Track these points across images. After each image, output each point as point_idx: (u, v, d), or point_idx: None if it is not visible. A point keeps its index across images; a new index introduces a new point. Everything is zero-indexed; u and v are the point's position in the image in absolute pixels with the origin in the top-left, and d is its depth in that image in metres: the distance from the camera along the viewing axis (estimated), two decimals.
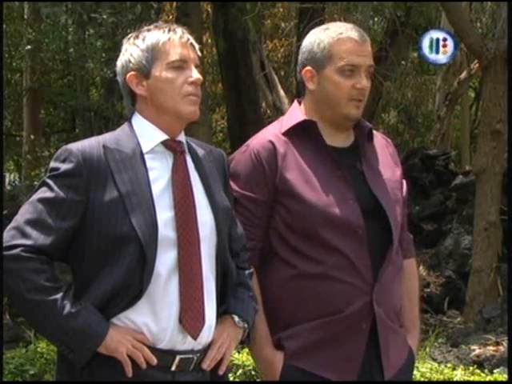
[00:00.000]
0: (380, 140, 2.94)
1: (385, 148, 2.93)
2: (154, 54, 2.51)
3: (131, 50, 2.54)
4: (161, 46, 2.51)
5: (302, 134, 2.79)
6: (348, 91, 2.75)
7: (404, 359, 2.83)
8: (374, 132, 2.93)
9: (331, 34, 2.77)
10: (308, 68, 2.80)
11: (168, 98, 2.50)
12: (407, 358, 2.85)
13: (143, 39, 2.53)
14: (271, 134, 2.82)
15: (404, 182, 2.98)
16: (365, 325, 2.71)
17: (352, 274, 2.69)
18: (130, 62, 2.53)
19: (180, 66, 2.50)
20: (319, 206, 2.70)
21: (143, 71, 2.51)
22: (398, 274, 2.83)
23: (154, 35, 2.53)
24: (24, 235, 2.37)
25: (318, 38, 2.79)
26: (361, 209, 2.73)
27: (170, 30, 2.53)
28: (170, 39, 2.52)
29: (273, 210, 2.74)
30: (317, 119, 2.80)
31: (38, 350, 5.85)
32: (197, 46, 2.58)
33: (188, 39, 2.54)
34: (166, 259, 2.41)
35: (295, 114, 2.84)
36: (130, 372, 2.37)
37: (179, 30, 2.55)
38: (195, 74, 2.51)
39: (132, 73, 2.52)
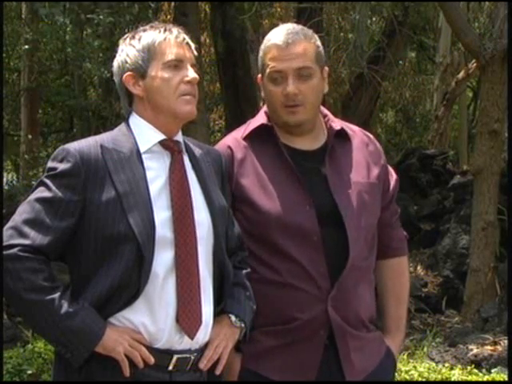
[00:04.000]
0: (360, 138, 2.88)
1: (363, 147, 2.86)
2: (150, 53, 2.51)
3: (127, 51, 2.54)
4: (157, 45, 2.51)
5: (263, 138, 2.78)
6: (279, 98, 2.72)
7: (376, 362, 2.78)
8: (355, 129, 2.90)
9: (264, 42, 2.78)
10: (259, 75, 2.82)
11: (164, 97, 2.50)
12: (382, 361, 2.80)
13: (139, 39, 2.53)
14: (232, 138, 2.81)
15: (393, 177, 2.93)
16: (323, 332, 2.68)
17: (306, 281, 2.66)
18: (126, 62, 2.53)
19: (176, 65, 2.50)
20: (273, 212, 2.68)
21: (139, 71, 2.51)
22: (366, 279, 2.77)
23: (149, 35, 2.53)
24: (22, 235, 2.37)
25: (261, 46, 2.81)
26: (318, 214, 2.69)
27: (165, 30, 2.54)
28: (165, 39, 2.52)
29: (233, 216, 2.72)
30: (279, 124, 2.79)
31: (36, 349, 5.85)
32: (193, 46, 2.58)
33: (184, 39, 2.54)
34: (163, 259, 2.41)
35: (258, 118, 2.83)
36: (127, 371, 2.36)
37: (175, 30, 2.55)
38: (191, 74, 2.51)
39: (128, 73, 2.52)
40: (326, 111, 2.88)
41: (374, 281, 2.86)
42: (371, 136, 2.95)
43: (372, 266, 2.83)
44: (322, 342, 2.69)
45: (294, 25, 2.79)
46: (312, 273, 2.67)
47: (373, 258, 2.83)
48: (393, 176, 2.94)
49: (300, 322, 2.67)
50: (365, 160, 2.84)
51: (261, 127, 2.79)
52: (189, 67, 2.52)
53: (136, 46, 2.53)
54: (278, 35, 2.74)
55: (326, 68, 2.81)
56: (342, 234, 2.70)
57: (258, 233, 2.71)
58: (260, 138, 2.78)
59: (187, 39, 2.56)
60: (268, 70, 2.74)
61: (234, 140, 2.80)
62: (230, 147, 2.77)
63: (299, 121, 2.74)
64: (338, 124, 2.83)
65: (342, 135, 2.83)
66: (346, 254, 2.69)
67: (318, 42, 2.78)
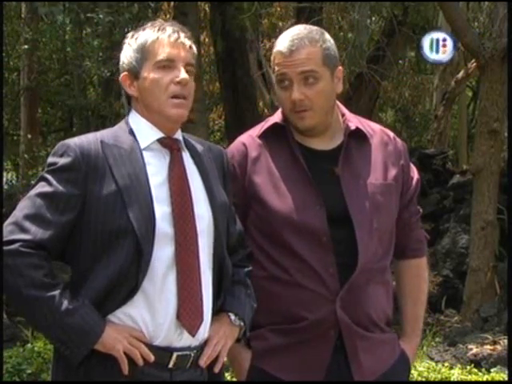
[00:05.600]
0: (379, 137, 2.84)
1: (382, 147, 2.83)
2: (143, 54, 2.49)
3: (125, 50, 2.54)
4: (149, 45, 2.49)
5: (278, 137, 2.78)
6: (288, 104, 2.72)
7: (389, 364, 2.76)
8: (376, 128, 2.87)
9: (274, 47, 2.77)
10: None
11: (155, 99, 2.48)
12: (395, 363, 2.78)
13: (136, 39, 2.52)
14: (248, 136, 2.81)
15: (415, 178, 2.88)
16: (333, 332, 2.67)
17: (315, 281, 2.66)
18: (123, 62, 2.53)
19: (167, 65, 2.47)
20: (283, 211, 2.68)
21: (134, 72, 2.51)
22: (379, 280, 2.75)
23: (144, 35, 2.51)
24: (23, 230, 2.36)
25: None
26: (329, 215, 2.68)
27: (159, 29, 2.51)
28: (158, 38, 2.49)
29: (246, 213, 2.73)
30: None
31: (35, 349, 5.86)
32: (188, 43, 2.52)
33: (177, 38, 2.50)
34: (162, 254, 2.41)
35: (274, 116, 2.83)
36: (126, 369, 2.36)
37: (169, 29, 2.51)
38: (182, 74, 2.47)
39: (124, 73, 2.53)
40: (344, 110, 2.86)
41: (390, 281, 2.83)
42: (392, 135, 2.90)
43: (388, 266, 2.81)
44: (332, 342, 2.68)
45: (302, 28, 2.76)
46: (321, 273, 2.66)
47: (388, 258, 2.80)
48: (414, 176, 2.90)
49: (307, 321, 2.67)
50: (382, 160, 2.80)
51: (275, 126, 2.79)
52: (181, 67, 2.48)
53: (132, 46, 2.52)
54: (283, 41, 2.72)
55: (340, 68, 2.79)
56: (352, 234, 2.68)
57: (268, 231, 2.71)
58: (275, 137, 2.78)
59: (181, 38, 2.51)
60: (275, 74, 2.74)
61: (250, 138, 2.80)
62: (244, 144, 2.78)
63: (308, 125, 2.73)
64: (354, 123, 2.80)
65: (360, 135, 2.80)
66: (357, 254, 2.67)
67: (328, 44, 2.74)
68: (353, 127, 2.79)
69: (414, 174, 2.91)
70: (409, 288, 2.91)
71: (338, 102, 2.84)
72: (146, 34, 2.51)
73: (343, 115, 2.84)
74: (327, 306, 2.66)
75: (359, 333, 2.70)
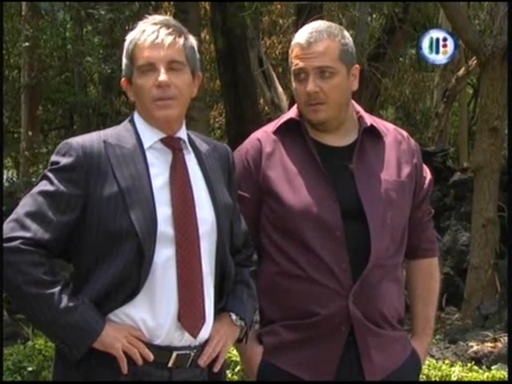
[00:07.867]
0: (393, 136, 2.86)
1: (396, 145, 2.84)
2: (130, 59, 2.49)
3: (123, 51, 2.52)
4: (131, 51, 2.48)
5: (292, 132, 2.79)
6: (303, 96, 2.73)
7: (400, 362, 2.77)
8: (389, 127, 2.88)
9: (293, 40, 2.78)
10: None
11: (143, 104, 2.48)
12: (406, 361, 2.79)
13: (128, 40, 2.50)
14: (262, 132, 2.83)
15: (428, 177, 2.90)
16: (344, 328, 2.68)
17: (328, 276, 2.66)
18: (121, 65, 2.53)
19: (149, 69, 2.45)
20: (297, 205, 2.69)
21: (128, 77, 2.51)
22: (392, 277, 2.75)
23: (129, 38, 2.49)
24: (23, 227, 2.37)
25: None
26: (343, 210, 2.69)
27: (141, 30, 2.47)
28: (138, 42, 2.47)
29: (260, 208, 2.75)
30: None
31: (36, 346, 5.85)
32: (168, 40, 2.44)
33: (156, 38, 2.44)
34: (164, 255, 2.40)
35: (290, 112, 2.84)
36: (125, 368, 2.35)
37: (150, 28, 2.46)
38: (161, 77, 2.43)
39: (124, 78, 2.53)
40: (358, 108, 2.87)
41: (402, 279, 2.84)
42: (405, 134, 2.92)
43: (399, 264, 2.81)
44: (344, 338, 2.69)
45: (322, 22, 2.79)
46: (334, 268, 2.66)
47: (400, 256, 2.81)
48: (427, 176, 2.91)
49: (319, 317, 2.67)
50: (396, 158, 2.82)
51: (290, 121, 2.80)
52: (161, 68, 2.44)
53: (125, 49, 2.51)
54: (302, 34, 2.74)
55: (357, 66, 2.80)
56: (365, 230, 2.69)
57: (282, 225, 2.72)
58: (290, 132, 2.79)
59: (161, 36, 2.44)
60: (292, 68, 2.75)
61: (264, 133, 2.82)
62: (259, 140, 2.79)
63: (321, 119, 2.74)
64: (368, 121, 2.82)
65: (374, 133, 2.82)
66: (370, 250, 2.68)
67: (346, 40, 2.76)
68: (368, 124, 2.80)
69: (427, 173, 2.92)
70: (420, 288, 2.92)
71: (352, 101, 2.85)
72: (131, 37, 2.49)
73: (358, 113, 2.85)
74: (339, 302, 2.67)
75: (371, 329, 2.71)
